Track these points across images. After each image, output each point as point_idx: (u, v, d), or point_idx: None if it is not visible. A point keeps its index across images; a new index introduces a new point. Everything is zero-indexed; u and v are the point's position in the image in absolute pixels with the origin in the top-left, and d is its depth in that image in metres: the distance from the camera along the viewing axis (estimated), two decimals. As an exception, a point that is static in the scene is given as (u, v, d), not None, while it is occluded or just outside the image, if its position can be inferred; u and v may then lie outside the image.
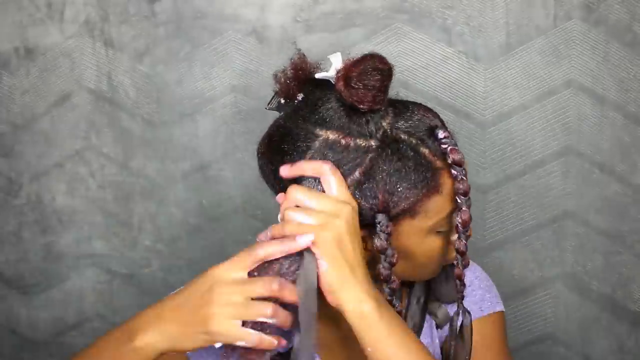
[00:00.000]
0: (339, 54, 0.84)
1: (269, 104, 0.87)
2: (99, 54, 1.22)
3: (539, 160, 1.24)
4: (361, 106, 0.79)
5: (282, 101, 0.86)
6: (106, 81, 1.23)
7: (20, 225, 1.29)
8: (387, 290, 0.85)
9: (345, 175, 0.79)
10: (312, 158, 0.80)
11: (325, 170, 0.78)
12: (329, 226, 0.77)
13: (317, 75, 0.84)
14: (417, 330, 0.95)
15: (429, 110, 0.85)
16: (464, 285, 0.88)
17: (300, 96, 0.85)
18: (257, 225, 1.27)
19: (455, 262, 0.87)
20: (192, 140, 1.25)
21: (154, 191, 1.28)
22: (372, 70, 0.79)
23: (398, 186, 0.79)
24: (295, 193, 0.78)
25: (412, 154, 0.80)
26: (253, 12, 1.21)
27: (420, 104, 0.85)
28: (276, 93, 0.87)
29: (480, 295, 0.97)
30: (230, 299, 0.74)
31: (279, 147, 0.83)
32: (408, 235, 0.83)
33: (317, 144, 0.81)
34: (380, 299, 0.79)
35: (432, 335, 0.97)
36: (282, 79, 0.85)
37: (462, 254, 0.85)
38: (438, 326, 0.97)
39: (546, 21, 1.19)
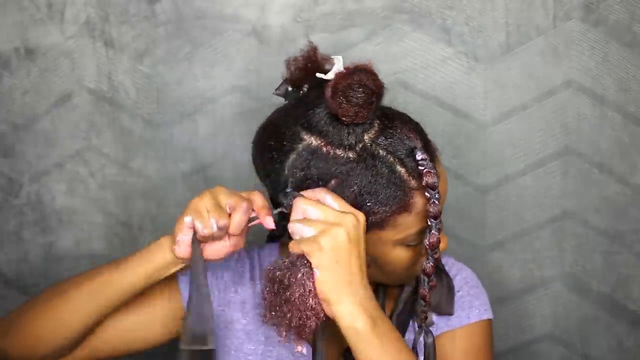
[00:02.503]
0: (340, 57, 0.85)
1: (277, 89, 0.89)
2: (100, 54, 1.23)
3: (538, 160, 1.24)
4: (343, 119, 0.81)
5: (290, 89, 0.88)
6: (106, 81, 1.24)
7: (20, 225, 1.29)
8: None
9: (322, 183, 0.81)
10: (294, 160, 0.82)
11: (321, 196, 0.80)
12: (326, 236, 0.78)
13: (319, 76, 0.85)
14: (403, 328, 0.96)
15: (414, 129, 0.85)
16: (428, 305, 0.88)
17: (306, 87, 0.87)
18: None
19: (422, 283, 0.87)
20: (192, 141, 1.25)
21: (154, 191, 1.28)
22: (359, 85, 0.80)
23: (367, 200, 0.81)
24: (300, 204, 0.80)
25: (386, 171, 0.81)
26: (253, 12, 1.21)
27: (409, 120, 0.86)
28: (285, 80, 0.88)
29: (468, 302, 0.97)
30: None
31: (267, 143, 0.86)
32: (375, 244, 0.85)
33: (300, 147, 0.83)
34: (376, 312, 0.81)
35: (415, 334, 0.96)
36: (292, 67, 0.87)
37: (428, 275, 0.86)
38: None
39: (546, 21, 1.19)
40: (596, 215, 1.26)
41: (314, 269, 0.78)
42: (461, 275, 0.99)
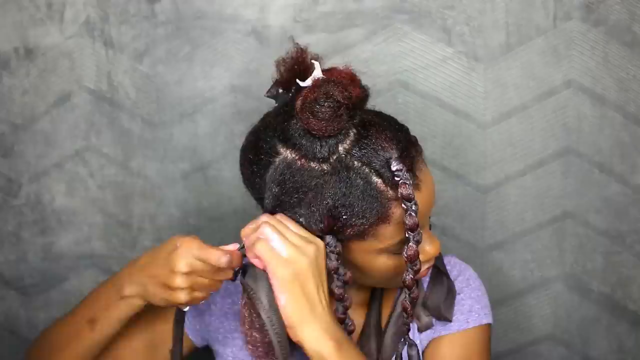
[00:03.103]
0: (317, 63, 0.84)
1: (268, 91, 0.88)
2: (99, 54, 1.22)
3: (538, 160, 1.24)
4: (312, 132, 0.80)
5: (280, 91, 0.87)
6: (106, 81, 1.24)
7: (19, 226, 1.29)
8: (340, 308, 0.86)
9: (297, 197, 0.81)
10: (271, 175, 0.82)
11: (267, 233, 0.81)
12: (292, 263, 0.79)
13: (300, 83, 0.84)
14: (402, 332, 0.94)
15: (391, 138, 0.82)
16: (411, 317, 0.87)
17: (294, 90, 0.86)
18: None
19: (403, 295, 0.86)
20: (192, 141, 1.25)
21: (154, 191, 1.28)
22: (325, 99, 0.79)
23: (342, 213, 0.80)
24: (265, 231, 0.81)
25: (361, 183, 0.80)
26: (253, 12, 1.21)
27: (388, 127, 0.83)
28: (275, 82, 0.87)
29: (468, 305, 0.96)
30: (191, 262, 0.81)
31: (248, 156, 0.86)
32: (359, 253, 0.84)
33: (277, 161, 0.82)
34: (341, 337, 0.81)
35: (413, 336, 0.96)
36: (282, 69, 0.86)
37: (408, 287, 0.85)
38: (419, 329, 0.96)
39: (546, 21, 1.19)
40: (596, 216, 1.26)
41: (279, 295, 0.79)
42: (463, 276, 0.98)
